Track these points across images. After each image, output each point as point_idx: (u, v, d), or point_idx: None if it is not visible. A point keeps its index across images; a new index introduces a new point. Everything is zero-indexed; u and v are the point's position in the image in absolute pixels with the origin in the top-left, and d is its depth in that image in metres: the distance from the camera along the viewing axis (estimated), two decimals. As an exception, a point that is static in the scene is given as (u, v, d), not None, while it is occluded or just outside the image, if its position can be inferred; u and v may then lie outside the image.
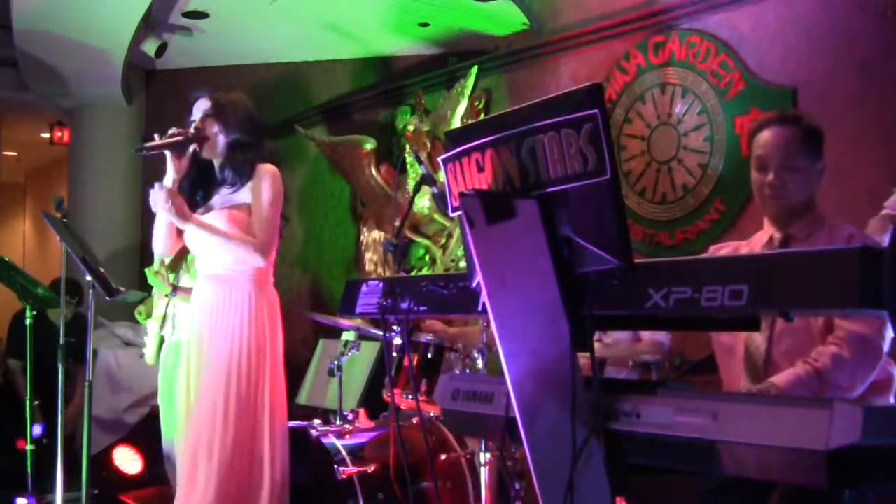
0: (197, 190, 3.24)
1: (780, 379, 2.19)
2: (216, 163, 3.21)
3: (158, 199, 3.00)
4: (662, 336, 3.45)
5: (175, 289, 3.76)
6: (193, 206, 3.18)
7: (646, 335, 3.46)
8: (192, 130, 3.15)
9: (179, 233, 3.20)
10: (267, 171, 3.18)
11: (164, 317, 3.84)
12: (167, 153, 3.09)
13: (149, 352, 3.88)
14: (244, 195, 3.15)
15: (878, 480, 1.29)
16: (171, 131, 3.11)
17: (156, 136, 3.10)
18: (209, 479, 2.98)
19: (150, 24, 5.52)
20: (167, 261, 3.78)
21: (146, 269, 3.81)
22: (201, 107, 3.21)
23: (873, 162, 3.39)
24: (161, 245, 3.26)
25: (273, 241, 3.17)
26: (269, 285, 3.24)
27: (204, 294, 3.18)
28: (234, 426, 3.02)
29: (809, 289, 1.20)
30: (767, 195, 2.40)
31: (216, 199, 3.20)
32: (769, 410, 1.29)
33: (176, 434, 3.46)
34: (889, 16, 3.37)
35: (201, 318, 3.15)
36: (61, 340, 3.91)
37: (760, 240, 2.48)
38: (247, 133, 3.20)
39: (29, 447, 4.58)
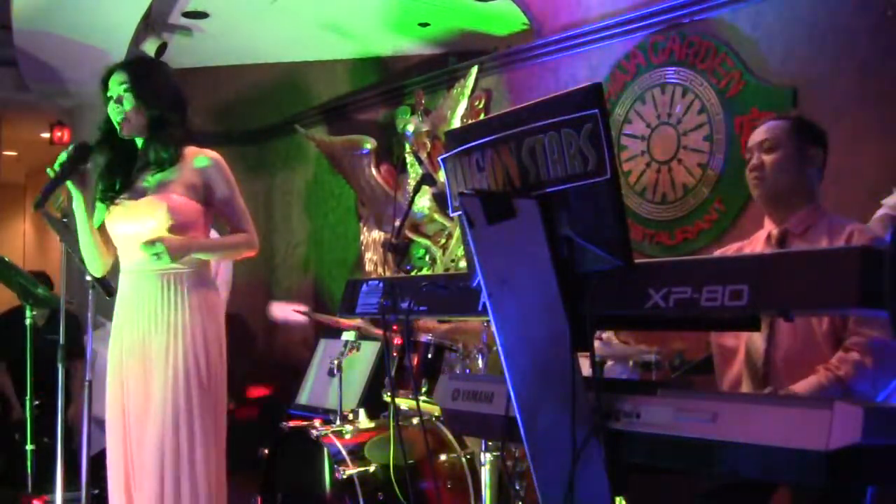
0: (115, 172, 2.92)
1: (800, 387, 2.16)
2: (138, 142, 2.91)
3: (161, 251, 2.72)
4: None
5: None
6: (113, 191, 2.90)
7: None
8: (81, 143, 2.86)
9: (107, 240, 2.95)
10: (213, 158, 2.91)
11: None
12: (68, 183, 2.83)
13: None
14: (179, 177, 2.86)
15: (879, 480, 1.28)
16: (61, 159, 2.80)
17: (48, 171, 2.79)
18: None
19: (150, 24, 5.51)
20: None
21: None
22: (118, 80, 2.88)
23: (873, 162, 3.39)
24: (97, 263, 3.00)
25: (253, 225, 2.97)
26: (208, 272, 2.97)
27: (144, 290, 2.86)
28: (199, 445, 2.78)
29: (810, 289, 1.20)
30: (751, 179, 2.43)
31: (144, 184, 2.88)
32: (769, 410, 1.29)
33: None
34: (889, 16, 3.37)
35: (144, 321, 2.84)
36: (61, 340, 3.91)
37: (760, 237, 2.48)
38: (170, 108, 2.89)
39: (29, 447, 4.58)
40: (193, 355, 2.81)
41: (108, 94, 2.89)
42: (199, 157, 2.91)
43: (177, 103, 2.93)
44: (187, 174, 2.88)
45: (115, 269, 3.07)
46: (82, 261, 3.71)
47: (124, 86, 2.86)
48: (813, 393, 2.12)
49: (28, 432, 4.60)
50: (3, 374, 5.81)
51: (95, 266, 3.03)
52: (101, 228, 2.98)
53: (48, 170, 2.83)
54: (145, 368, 2.82)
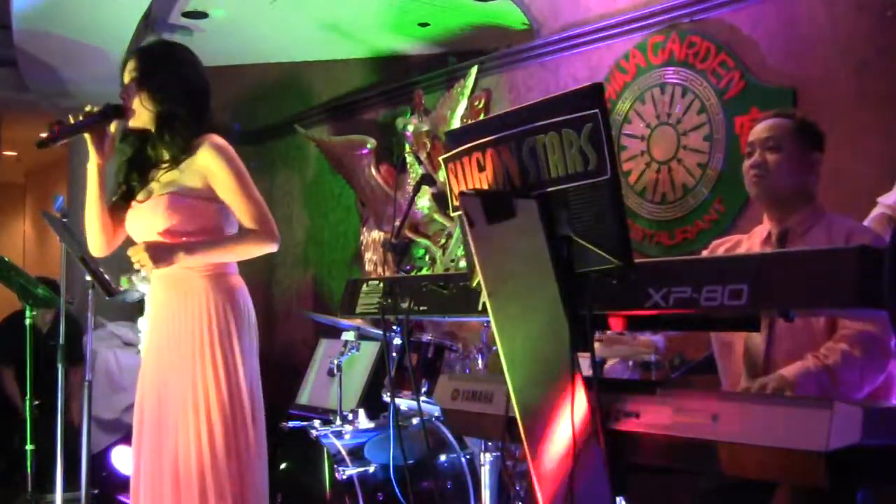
0: (132, 169, 2.73)
1: (788, 371, 2.17)
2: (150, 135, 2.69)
3: (143, 258, 2.54)
4: (657, 337, 3.45)
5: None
6: (130, 189, 2.72)
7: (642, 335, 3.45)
8: (114, 104, 2.66)
9: (116, 222, 2.73)
10: (215, 148, 2.64)
11: None
12: (86, 136, 2.64)
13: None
14: (184, 175, 2.64)
15: (879, 481, 1.28)
16: (86, 109, 2.66)
17: (69, 118, 2.64)
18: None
19: (150, 24, 5.51)
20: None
21: (122, 278, 3.66)
22: (129, 67, 2.67)
23: (873, 162, 3.39)
24: (97, 240, 2.74)
25: (271, 217, 2.67)
26: (230, 276, 2.71)
27: (158, 300, 2.67)
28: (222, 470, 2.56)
29: (809, 288, 1.20)
30: (751, 176, 2.42)
31: (155, 185, 2.69)
32: (769, 411, 1.29)
33: None
34: (889, 16, 3.37)
35: (159, 334, 2.66)
36: (61, 341, 3.91)
37: (760, 234, 2.48)
38: (181, 103, 2.63)
39: (29, 447, 4.58)
40: (211, 364, 2.60)
41: (124, 83, 2.71)
42: (202, 150, 2.64)
43: (190, 96, 2.67)
44: (192, 170, 2.64)
45: (118, 271, 3.02)
46: (81, 261, 3.66)
47: (133, 74, 2.67)
48: (800, 377, 2.13)
49: (28, 432, 4.60)
50: (10, 382, 5.80)
51: (95, 244, 2.76)
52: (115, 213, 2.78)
53: (69, 116, 2.65)
54: (163, 374, 2.64)
